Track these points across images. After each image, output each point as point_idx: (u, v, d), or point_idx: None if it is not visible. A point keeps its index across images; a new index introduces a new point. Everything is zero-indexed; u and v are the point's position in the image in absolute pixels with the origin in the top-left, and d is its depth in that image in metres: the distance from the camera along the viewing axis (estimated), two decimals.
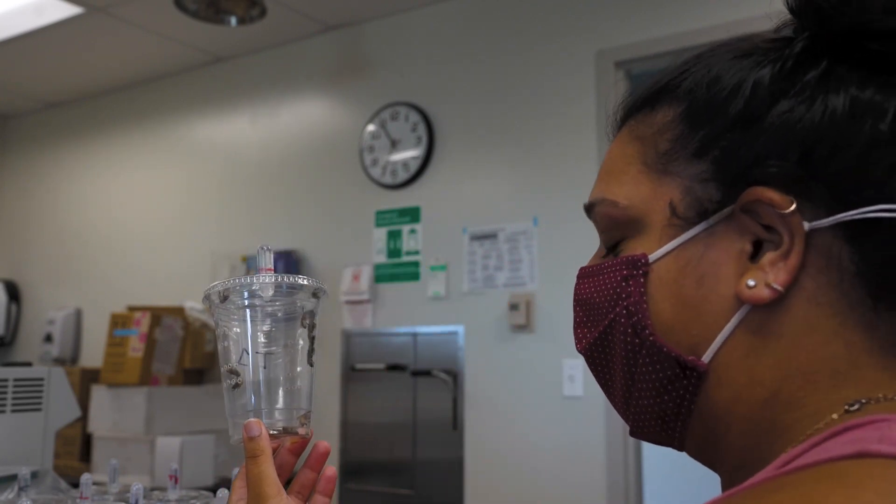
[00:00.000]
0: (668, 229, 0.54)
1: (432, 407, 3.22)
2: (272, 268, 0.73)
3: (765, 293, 0.50)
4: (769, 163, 0.50)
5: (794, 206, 0.49)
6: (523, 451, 3.03)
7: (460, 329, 3.23)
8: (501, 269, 3.17)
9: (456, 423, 3.16)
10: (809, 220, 0.49)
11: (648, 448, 3.07)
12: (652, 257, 0.54)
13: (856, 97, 0.49)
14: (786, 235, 0.50)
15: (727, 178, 0.52)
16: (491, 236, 3.21)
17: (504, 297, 3.13)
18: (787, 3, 0.54)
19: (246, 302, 0.72)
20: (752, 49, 0.54)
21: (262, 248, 0.74)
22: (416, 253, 3.40)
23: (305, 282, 0.73)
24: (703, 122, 0.53)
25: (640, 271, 0.54)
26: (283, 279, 0.72)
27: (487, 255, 3.21)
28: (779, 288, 0.49)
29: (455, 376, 3.21)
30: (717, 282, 0.52)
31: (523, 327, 3.08)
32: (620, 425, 2.85)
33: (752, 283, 0.50)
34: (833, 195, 0.49)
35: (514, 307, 3.07)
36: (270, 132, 3.98)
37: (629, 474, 2.84)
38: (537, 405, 3.03)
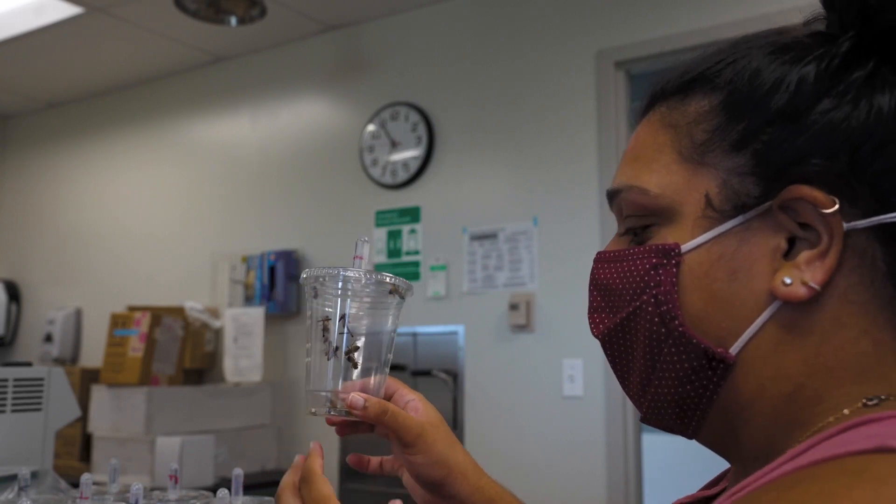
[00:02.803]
0: (701, 221, 0.53)
1: None
2: (362, 256, 0.77)
3: (801, 291, 0.50)
4: (813, 161, 0.50)
5: (836, 206, 0.49)
6: (523, 451, 3.03)
7: (460, 329, 3.23)
8: (501, 269, 3.17)
9: (456, 423, 3.16)
10: (847, 220, 0.49)
11: (648, 448, 3.07)
12: (685, 247, 0.53)
13: None
14: (825, 234, 0.50)
15: (767, 173, 0.51)
16: (491, 236, 3.21)
17: (504, 297, 3.13)
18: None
19: (339, 290, 0.76)
20: (792, 43, 0.53)
21: (360, 239, 0.79)
22: (416, 253, 3.40)
23: (389, 279, 0.77)
24: (744, 115, 0.53)
25: (673, 261, 0.53)
26: (371, 275, 0.76)
27: (487, 255, 3.21)
28: (816, 287, 0.49)
29: (455, 376, 3.21)
30: (751, 277, 0.51)
31: (523, 327, 3.08)
32: (620, 425, 2.85)
33: (788, 280, 0.50)
34: (873, 196, 0.49)
35: (514, 307, 3.07)
36: (270, 132, 3.98)
37: (629, 474, 2.84)
38: (537, 405, 3.03)
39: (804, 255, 0.50)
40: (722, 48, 0.56)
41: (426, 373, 3.23)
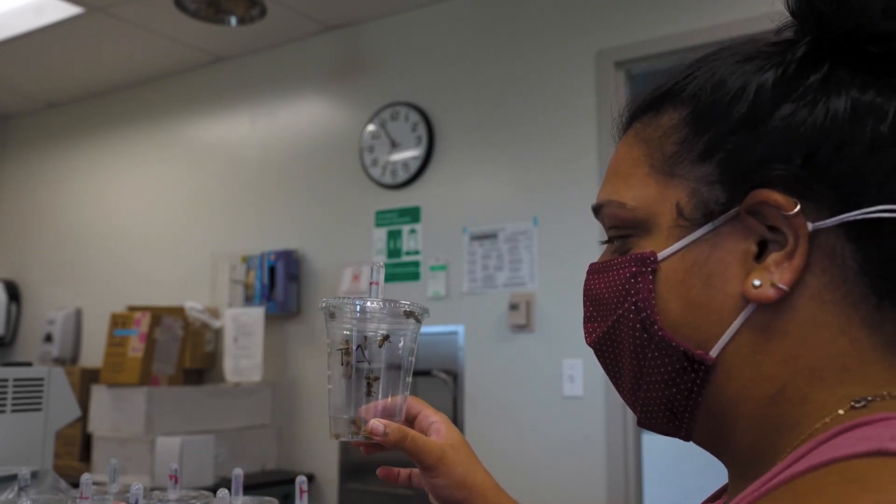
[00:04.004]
0: (674, 230, 0.55)
1: (432, 407, 3.22)
2: (378, 281, 0.80)
3: (770, 293, 0.51)
4: (773, 165, 0.51)
5: (797, 208, 0.50)
6: (523, 451, 3.03)
7: (460, 329, 3.23)
8: (501, 269, 3.17)
9: (456, 423, 3.16)
10: (813, 221, 0.50)
11: (648, 448, 3.07)
12: (660, 256, 0.55)
13: (857, 99, 0.50)
14: (790, 236, 0.51)
15: (732, 180, 0.53)
16: (491, 236, 3.21)
17: (504, 297, 3.13)
18: (789, 6, 0.54)
19: (357, 316, 0.79)
20: (755, 53, 0.55)
21: (374, 265, 0.81)
22: (416, 253, 3.40)
23: (405, 305, 0.79)
24: (708, 126, 0.54)
25: (649, 268, 0.55)
26: (387, 302, 0.78)
27: (487, 255, 3.21)
28: (784, 287, 0.50)
29: (455, 376, 3.21)
30: (724, 282, 0.53)
31: (523, 327, 3.08)
32: (620, 425, 2.85)
33: (757, 283, 0.51)
34: (836, 196, 0.50)
35: (514, 307, 3.07)
36: (270, 132, 3.98)
37: (629, 474, 2.84)
38: (537, 405, 3.03)
39: (773, 257, 0.51)
40: (691, 63, 0.58)
41: (426, 373, 3.23)
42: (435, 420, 0.83)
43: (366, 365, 0.78)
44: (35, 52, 4.11)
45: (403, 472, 0.87)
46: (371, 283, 0.80)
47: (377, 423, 0.76)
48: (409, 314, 0.80)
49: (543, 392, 3.02)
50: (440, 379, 3.21)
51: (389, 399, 0.79)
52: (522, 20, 3.28)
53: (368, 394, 0.78)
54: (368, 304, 0.78)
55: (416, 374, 3.23)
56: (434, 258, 3.34)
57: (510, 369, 3.10)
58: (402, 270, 3.42)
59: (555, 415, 2.98)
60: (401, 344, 0.80)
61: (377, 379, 0.78)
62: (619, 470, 2.84)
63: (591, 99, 3.04)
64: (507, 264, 3.16)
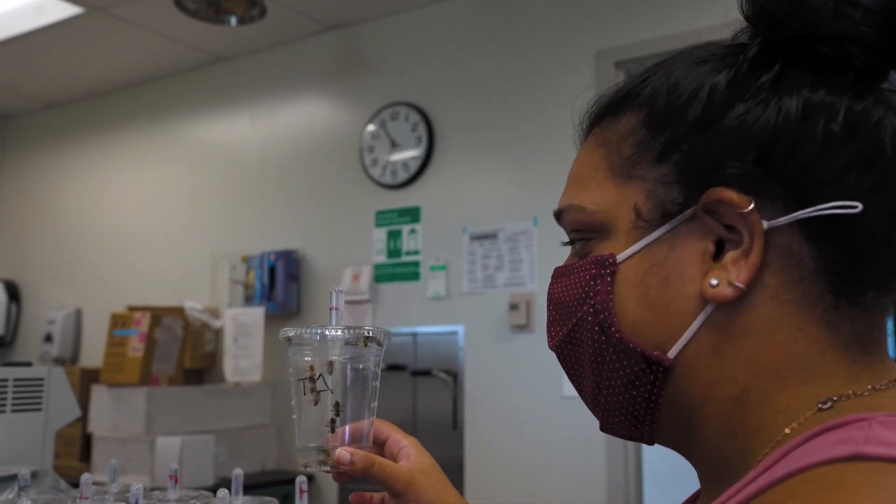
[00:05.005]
0: (633, 232, 0.55)
1: (432, 407, 3.22)
2: (338, 307, 0.79)
3: (727, 291, 0.51)
4: (728, 164, 0.51)
5: (752, 206, 0.50)
6: (523, 451, 3.03)
7: (460, 329, 3.23)
8: (501, 269, 3.17)
9: (456, 422, 3.16)
10: (769, 219, 0.50)
11: (648, 448, 3.07)
12: (619, 258, 0.55)
13: (808, 99, 0.51)
14: (746, 234, 0.51)
15: (689, 180, 0.53)
16: (491, 236, 3.21)
17: (504, 297, 3.13)
18: (743, 11, 0.55)
19: (318, 343, 0.79)
20: (709, 56, 0.56)
21: (335, 290, 0.81)
22: (416, 253, 3.40)
23: (366, 331, 0.79)
24: (665, 127, 0.54)
25: (608, 270, 0.55)
26: (348, 330, 0.78)
27: (487, 255, 3.21)
28: (741, 286, 0.50)
29: (455, 376, 3.21)
30: (682, 282, 0.53)
31: (523, 327, 3.08)
32: None
33: (714, 282, 0.51)
34: (791, 194, 0.50)
35: (514, 307, 3.07)
36: (270, 132, 3.98)
37: (629, 474, 2.84)
38: (537, 405, 3.03)
39: (730, 256, 0.51)
40: (648, 68, 0.59)
41: (426, 373, 3.23)
42: (405, 444, 0.81)
43: (330, 392, 0.77)
44: (35, 52, 4.11)
45: (376, 496, 0.85)
46: (331, 309, 0.80)
47: (343, 452, 0.75)
48: (370, 339, 0.79)
49: (543, 392, 3.02)
50: (440, 379, 3.21)
51: (356, 425, 0.78)
52: (522, 20, 3.28)
53: (334, 421, 0.77)
54: (329, 331, 0.77)
55: (416, 373, 3.25)
56: (434, 258, 3.34)
57: (510, 369, 3.10)
58: (402, 270, 3.42)
59: (555, 415, 2.98)
60: (364, 369, 0.79)
61: (342, 405, 0.78)
62: (619, 470, 2.83)
63: (591, 99, 3.04)
64: (507, 264, 3.16)
